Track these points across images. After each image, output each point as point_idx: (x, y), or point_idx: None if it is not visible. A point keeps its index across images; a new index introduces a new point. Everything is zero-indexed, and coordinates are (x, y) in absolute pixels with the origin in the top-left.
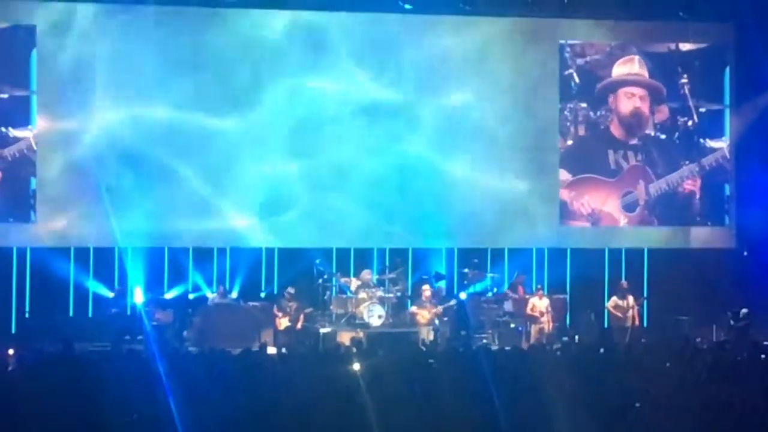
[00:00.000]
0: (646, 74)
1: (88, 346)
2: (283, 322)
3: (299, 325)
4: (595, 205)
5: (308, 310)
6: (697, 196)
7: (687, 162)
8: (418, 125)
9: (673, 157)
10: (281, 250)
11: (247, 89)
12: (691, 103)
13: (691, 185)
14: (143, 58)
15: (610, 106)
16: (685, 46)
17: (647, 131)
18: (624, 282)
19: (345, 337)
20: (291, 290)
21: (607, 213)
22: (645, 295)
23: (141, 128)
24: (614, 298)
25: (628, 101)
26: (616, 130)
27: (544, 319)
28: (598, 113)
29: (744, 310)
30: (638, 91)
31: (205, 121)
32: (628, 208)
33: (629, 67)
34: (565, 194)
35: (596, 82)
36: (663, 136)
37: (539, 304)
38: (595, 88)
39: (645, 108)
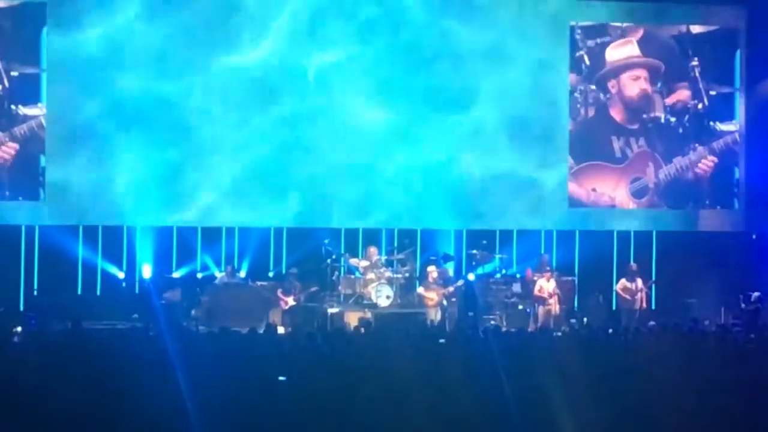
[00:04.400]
0: (641, 52)
1: (96, 324)
2: (289, 302)
3: (301, 304)
4: (603, 191)
5: (313, 289)
6: (707, 180)
7: (697, 145)
8: (426, 104)
9: (682, 140)
10: (290, 230)
11: (255, 62)
12: (701, 86)
13: (701, 168)
14: (154, 33)
15: (611, 91)
16: (695, 29)
17: (656, 114)
18: (633, 264)
19: (353, 318)
20: (294, 270)
21: (616, 200)
22: (654, 278)
23: (151, 104)
24: (623, 281)
25: (634, 83)
26: (617, 115)
27: (552, 301)
28: (608, 95)
29: (756, 294)
30: (642, 72)
31: (215, 96)
32: (638, 194)
33: (629, 50)
34: (571, 182)
35: (606, 64)
36: (673, 119)
37: (547, 285)
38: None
39: (650, 89)
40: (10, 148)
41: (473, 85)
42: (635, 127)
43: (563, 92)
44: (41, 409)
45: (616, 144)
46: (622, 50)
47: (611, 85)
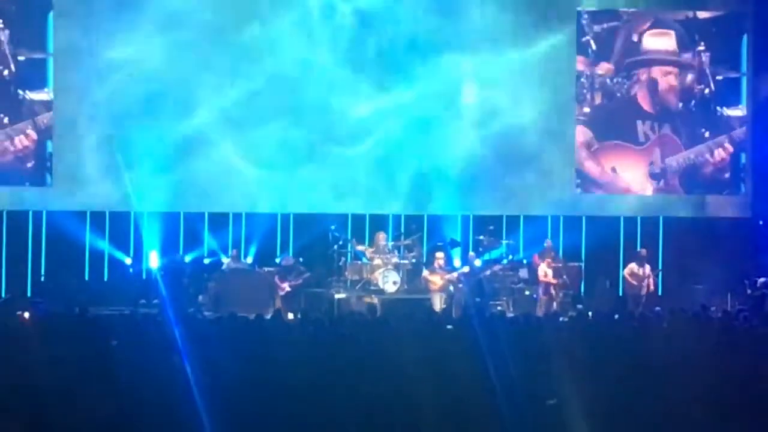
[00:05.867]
0: (677, 46)
1: (104, 309)
2: (285, 288)
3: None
4: (622, 173)
5: (306, 275)
6: (713, 165)
7: (704, 130)
8: (434, 90)
9: (691, 125)
10: (296, 215)
11: (260, 47)
12: (708, 71)
13: (707, 153)
14: (157, 20)
15: (639, 78)
16: (702, 14)
17: (674, 102)
18: (643, 250)
19: (359, 304)
20: (287, 256)
21: (631, 181)
22: (660, 266)
23: (160, 88)
24: (632, 265)
25: (664, 78)
26: (644, 102)
27: (553, 287)
28: (615, 80)
29: (761, 279)
30: (674, 70)
31: (220, 82)
32: (655, 177)
33: (666, 42)
34: (589, 160)
35: (612, 49)
36: (681, 105)
37: (548, 271)
38: (625, 58)
39: (678, 84)
40: (29, 140)
41: (478, 69)
42: (658, 113)
43: (571, 77)
44: (47, 394)
45: (641, 127)
46: (660, 41)
47: (641, 72)
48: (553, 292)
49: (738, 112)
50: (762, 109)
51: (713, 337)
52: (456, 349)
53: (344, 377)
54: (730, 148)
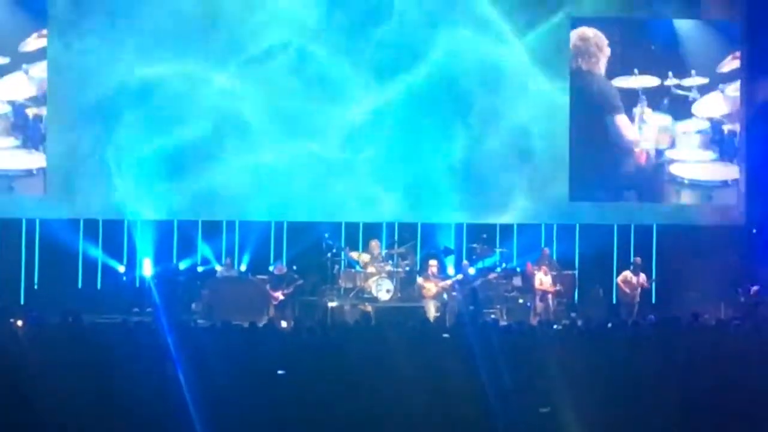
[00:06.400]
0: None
1: (97, 318)
2: (278, 297)
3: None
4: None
5: (299, 282)
6: (707, 174)
7: (697, 139)
8: (427, 100)
9: (684, 135)
10: (290, 223)
11: (256, 55)
12: (698, 81)
13: (702, 163)
14: (152, 24)
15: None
16: (694, 22)
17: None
18: (638, 258)
19: (353, 312)
20: (279, 264)
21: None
22: (654, 276)
23: (152, 97)
24: (626, 273)
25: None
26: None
27: (550, 295)
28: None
29: (755, 288)
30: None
31: (213, 87)
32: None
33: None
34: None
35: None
36: (674, 114)
37: (545, 279)
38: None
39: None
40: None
41: (471, 79)
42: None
43: (564, 84)
44: (41, 402)
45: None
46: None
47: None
48: (549, 299)
49: (731, 122)
50: (755, 118)
51: (706, 345)
52: (449, 356)
53: (338, 385)
54: (727, 158)
